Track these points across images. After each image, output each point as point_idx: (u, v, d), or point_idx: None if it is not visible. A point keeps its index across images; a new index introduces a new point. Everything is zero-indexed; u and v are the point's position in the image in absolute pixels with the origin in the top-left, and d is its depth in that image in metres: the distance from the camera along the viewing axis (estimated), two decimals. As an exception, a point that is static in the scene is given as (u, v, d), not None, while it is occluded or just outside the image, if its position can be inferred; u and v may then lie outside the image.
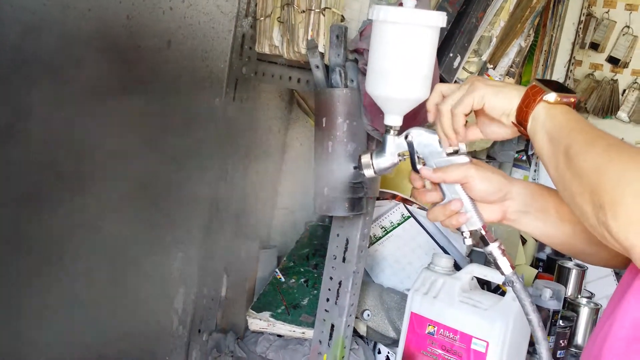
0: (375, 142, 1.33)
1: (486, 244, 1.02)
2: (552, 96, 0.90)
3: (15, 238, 1.91)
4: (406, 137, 1.05)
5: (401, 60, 1.01)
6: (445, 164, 1.03)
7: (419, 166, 1.04)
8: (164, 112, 1.62)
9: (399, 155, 1.06)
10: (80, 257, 1.78)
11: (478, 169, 1.03)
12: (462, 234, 1.04)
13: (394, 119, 1.06)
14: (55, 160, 1.83)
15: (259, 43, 1.49)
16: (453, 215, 1.03)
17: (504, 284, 1.01)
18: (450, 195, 1.03)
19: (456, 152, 1.03)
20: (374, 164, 1.07)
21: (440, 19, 1.02)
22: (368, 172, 1.08)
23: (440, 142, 1.03)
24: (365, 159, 1.08)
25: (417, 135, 1.04)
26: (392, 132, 1.06)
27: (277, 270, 1.69)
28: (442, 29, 1.54)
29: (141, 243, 1.66)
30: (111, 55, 1.72)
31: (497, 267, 1.02)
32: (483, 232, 1.03)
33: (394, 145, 1.06)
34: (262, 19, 1.47)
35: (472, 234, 1.04)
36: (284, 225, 1.93)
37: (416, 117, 1.13)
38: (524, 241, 2.34)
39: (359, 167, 1.09)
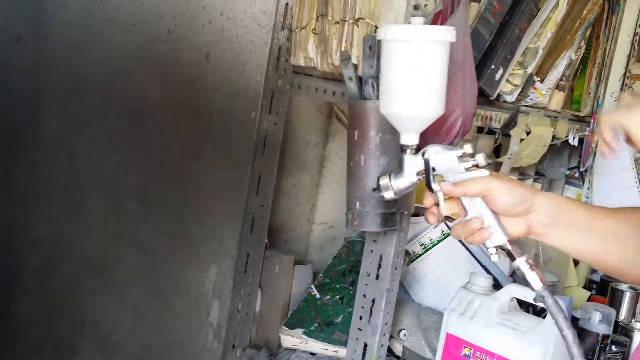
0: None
1: (513, 259, 0.98)
2: None
3: (58, 250, 1.95)
4: (423, 154, 1.02)
5: (410, 77, 0.99)
6: (465, 178, 1.00)
7: (433, 185, 1.01)
8: (201, 125, 1.63)
9: (417, 174, 1.03)
10: (118, 270, 1.80)
11: (499, 181, 0.99)
12: (488, 250, 1.00)
13: (409, 138, 1.04)
14: (96, 170, 1.86)
15: (294, 55, 1.48)
16: (475, 232, 0.99)
17: (535, 300, 0.96)
18: (471, 212, 1.00)
19: (476, 167, 0.99)
20: (393, 185, 1.05)
21: (448, 34, 0.99)
22: (388, 194, 1.06)
23: (458, 158, 0.99)
24: (384, 180, 1.05)
25: (435, 152, 1.01)
26: (408, 151, 1.04)
27: (312, 286, 1.66)
28: (483, 41, 1.52)
29: (176, 256, 1.66)
30: (152, 68, 1.74)
31: (526, 283, 0.98)
32: (509, 247, 0.99)
33: (412, 164, 1.04)
34: (297, 30, 1.46)
35: (497, 249, 1.00)
36: (322, 240, 1.91)
37: (440, 122, 1.10)
38: (576, 262, 2.25)
39: (377, 189, 1.06)
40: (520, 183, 1.03)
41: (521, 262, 0.98)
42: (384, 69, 1.03)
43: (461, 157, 1.00)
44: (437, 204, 1.02)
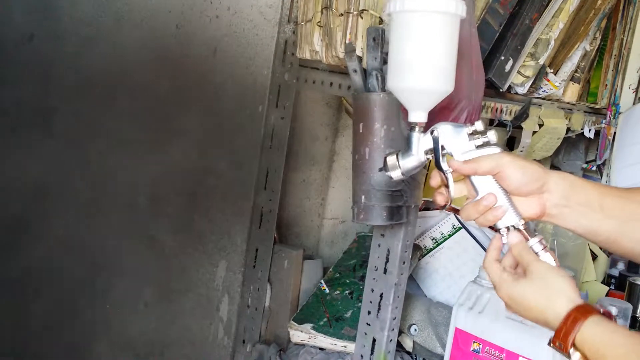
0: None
1: (526, 240, 0.96)
2: (576, 356, 0.88)
3: (70, 247, 1.96)
4: (432, 132, 0.99)
5: (420, 49, 0.97)
6: (476, 156, 0.97)
7: (443, 164, 0.99)
8: (208, 120, 1.62)
9: (425, 153, 1.01)
10: (128, 268, 1.81)
11: (511, 157, 0.96)
12: (500, 232, 0.98)
13: (418, 115, 1.01)
14: (105, 167, 1.86)
15: (301, 49, 1.47)
16: (487, 211, 0.97)
17: None
18: (483, 190, 0.97)
19: (487, 144, 0.97)
20: (401, 165, 1.02)
21: (459, 7, 0.97)
22: (395, 174, 1.02)
23: (468, 135, 0.97)
24: (392, 160, 1.02)
25: (444, 130, 0.99)
26: (417, 129, 1.01)
27: (322, 281, 1.64)
28: (493, 32, 1.49)
29: (186, 252, 1.66)
30: (161, 64, 1.74)
31: None
32: (521, 228, 0.97)
33: (421, 143, 1.01)
34: (303, 23, 1.45)
35: (509, 230, 0.98)
36: (333, 235, 1.90)
37: (445, 114, 1.08)
38: (594, 257, 2.21)
39: (384, 169, 1.03)
40: (533, 161, 1.00)
41: (535, 243, 0.96)
42: (395, 43, 1.00)
43: (472, 135, 0.99)
44: (447, 185, 0.99)
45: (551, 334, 0.92)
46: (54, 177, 2.00)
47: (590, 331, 0.87)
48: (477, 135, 0.99)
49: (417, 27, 0.98)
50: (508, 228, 0.98)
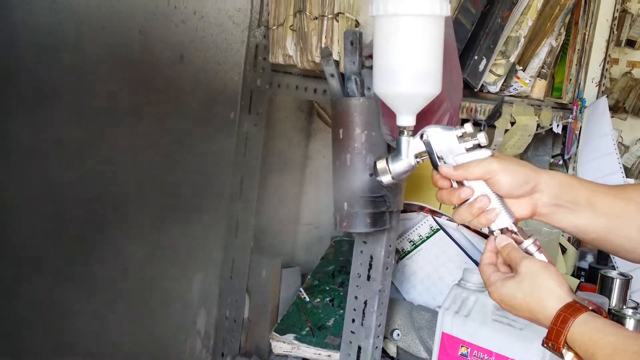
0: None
1: (520, 241, 0.96)
2: (569, 356, 0.88)
3: (32, 259, 1.89)
4: (422, 136, 0.98)
5: (406, 53, 0.95)
6: (466, 160, 0.96)
7: (439, 163, 0.98)
8: (178, 128, 1.57)
9: (415, 157, 0.99)
10: (97, 282, 1.74)
11: (501, 162, 0.96)
12: (493, 234, 0.97)
13: (406, 119, 0.99)
14: (73, 181, 1.80)
15: (273, 53, 1.43)
16: (481, 213, 0.96)
17: None
18: (476, 192, 0.97)
19: (477, 146, 0.96)
20: (391, 169, 1.00)
21: (444, 8, 0.96)
22: (385, 179, 1.01)
23: (458, 138, 0.96)
24: (381, 164, 1.01)
25: (434, 133, 0.98)
26: (406, 133, 1.00)
27: (301, 289, 1.61)
28: (465, 31, 1.48)
29: (158, 265, 1.61)
30: (124, 71, 1.68)
31: None
32: (515, 229, 0.96)
33: (410, 146, 0.99)
34: (274, 27, 1.41)
35: (503, 232, 0.97)
36: (308, 241, 1.87)
37: (428, 117, 1.06)
38: (563, 250, 2.23)
39: (374, 174, 1.01)
40: (523, 163, 1.00)
41: (529, 244, 0.96)
42: (380, 47, 0.98)
43: (461, 137, 0.97)
44: (452, 185, 0.99)
45: (543, 332, 0.91)
46: (15, 190, 1.92)
47: (580, 330, 0.87)
48: (466, 138, 0.98)
49: (402, 31, 0.96)
50: (502, 230, 0.98)
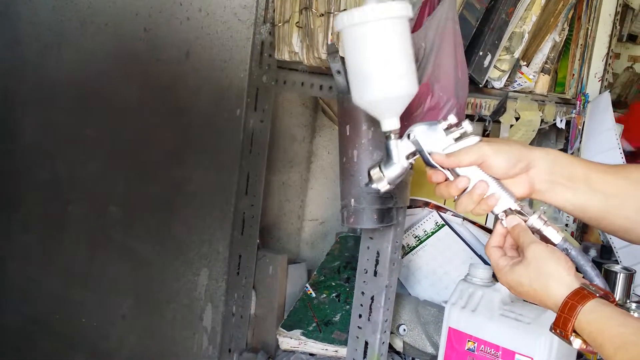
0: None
1: (525, 219, 0.97)
2: (577, 342, 0.89)
3: (41, 259, 1.90)
4: (409, 136, 0.99)
5: (377, 58, 0.95)
6: (456, 149, 0.97)
7: (433, 161, 0.98)
8: (184, 125, 1.58)
9: (407, 158, 1.00)
10: (104, 279, 1.75)
11: (492, 145, 0.96)
12: (498, 217, 0.98)
13: (390, 123, 0.99)
14: (79, 178, 1.80)
15: (279, 50, 1.43)
16: (482, 200, 0.96)
17: None
18: (472, 179, 0.97)
19: (464, 135, 0.97)
20: (385, 175, 1.00)
21: (404, 9, 0.96)
22: (382, 186, 1.01)
23: (444, 131, 0.97)
24: (375, 172, 1.01)
25: (420, 131, 0.98)
26: (393, 137, 1.00)
27: (307, 285, 1.62)
28: (470, 27, 1.49)
29: (165, 261, 1.61)
30: (130, 68, 1.68)
31: (545, 240, 0.96)
32: (518, 208, 0.97)
33: (399, 149, 1.00)
34: (280, 24, 1.41)
35: (507, 213, 0.98)
36: (314, 237, 1.87)
37: (434, 115, 1.08)
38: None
39: (370, 182, 1.02)
40: (512, 142, 1.00)
41: (535, 220, 0.97)
42: (351, 57, 0.98)
43: (447, 129, 0.98)
44: (447, 178, 0.99)
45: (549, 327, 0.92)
46: (22, 188, 1.93)
47: (587, 318, 0.87)
48: (452, 129, 0.99)
49: (370, 37, 0.95)
50: (505, 212, 0.98)
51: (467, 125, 0.98)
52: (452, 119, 0.98)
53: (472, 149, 0.96)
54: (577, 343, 0.89)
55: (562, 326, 0.89)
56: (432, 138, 0.98)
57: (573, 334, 0.88)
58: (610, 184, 0.99)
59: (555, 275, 0.92)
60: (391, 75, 0.96)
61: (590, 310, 0.87)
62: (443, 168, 0.99)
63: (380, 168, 1.01)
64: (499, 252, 0.99)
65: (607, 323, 0.86)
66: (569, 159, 1.00)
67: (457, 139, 0.98)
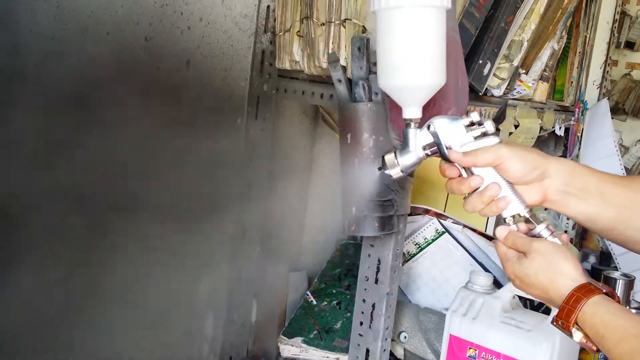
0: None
1: (532, 227, 0.97)
2: (578, 336, 0.90)
3: (37, 269, 1.90)
4: (429, 127, 0.99)
5: (409, 45, 0.96)
6: (474, 148, 0.97)
7: (449, 155, 0.98)
8: (185, 134, 1.58)
9: (423, 148, 1.00)
10: (102, 286, 1.75)
11: (510, 148, 0.96)
12: (505, 221, 0.98)
13: (412, 112, 1.00)
14: (79, 187, 1.80)
15: (279, 59, 1.44)
16: (492, 202, 0.97)
17: None
18: (486, 180, 0.97)
19: (484, 135, 0.97)
20: (399, 162, 1.01)
21: (444, 0, 0.96)
22: (395, 172, 1.01)
23: (465, 127, 0.97)
24: (390, 158, 1.01)
25: (440, 123, 0.99)
26: (412, 125, 1.00)
27: (308, 292, 1.62)
28: (470, 36, 1.50)
29: (165, 269, 1.61)
30: (130, 77, 1.69)
31: None
32: (527, 215, 0.97)
33: (417, 139, 1.00)
34: (281, 34, 1.42)
35: (515, 219, 0.98)
36: (314, 245, 1.87)
37: (434, 107, 1.08)
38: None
39: (383, 167, 1.02)
40: (531, 149, 1.00)
41: (542, 229, 0.97)
42: (382, 41, 0.98)
43: (468, 126, 0.98)
44: (461, 174, 0.99)
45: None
46: (19, 196, 1.93)
47: (591, 311, 0.87)
48: (474, 127, 0.99)
49: (404, 23, 0.96)
50: (514, 217, 0.99)
51: (488, 125, 0.98)
52: (475, 116, 0.98)
53: (490, 150, 0.97)
54: (577, 336, 0.89)
55: (565, 317, 0.89)
56: (451, 132, 0.98)
57: (575, 326, 0.89)
58: (622, 197, 0.99)
59: (564, 270, 0.92)
60: (420, 64, 0.97)
61: (595, 303, 0.88)
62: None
63: (395, 154, 1.02)
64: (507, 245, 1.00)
65: (610, 316, 0.87)
66: (583, 170, 1.00)
67: (476, 137, 0.98)
